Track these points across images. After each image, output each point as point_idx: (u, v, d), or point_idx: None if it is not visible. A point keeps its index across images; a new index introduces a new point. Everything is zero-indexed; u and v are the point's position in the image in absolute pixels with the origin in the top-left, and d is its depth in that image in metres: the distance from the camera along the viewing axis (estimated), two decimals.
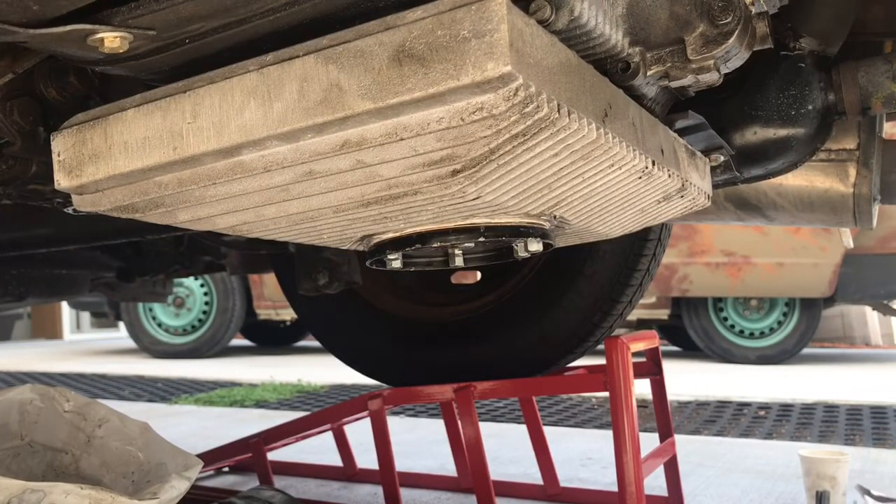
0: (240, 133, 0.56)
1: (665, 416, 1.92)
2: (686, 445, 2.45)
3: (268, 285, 6.34)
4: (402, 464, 1.96)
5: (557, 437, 2.59)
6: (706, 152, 0.92)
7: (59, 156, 0.65)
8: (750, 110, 1.01)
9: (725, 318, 5.34)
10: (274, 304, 6.50)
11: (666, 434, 1.92)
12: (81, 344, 9.55)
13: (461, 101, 0.50)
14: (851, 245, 1.65)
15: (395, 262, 0.79)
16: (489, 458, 1.76)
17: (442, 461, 2.24)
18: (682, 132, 0.83)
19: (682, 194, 0.81)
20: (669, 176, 0.74)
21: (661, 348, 1.52)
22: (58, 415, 1.22)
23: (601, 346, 1.58)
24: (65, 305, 9.64)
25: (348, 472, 2.31)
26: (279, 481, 2.21)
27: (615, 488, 1.53)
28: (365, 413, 2.00)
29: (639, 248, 1.91)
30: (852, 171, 1.22)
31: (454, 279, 2.26)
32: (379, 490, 2.05)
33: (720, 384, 4.06)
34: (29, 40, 0.59)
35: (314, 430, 2.16)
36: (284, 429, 2.14)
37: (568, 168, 0.62)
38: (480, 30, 0.48)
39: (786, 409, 3.34)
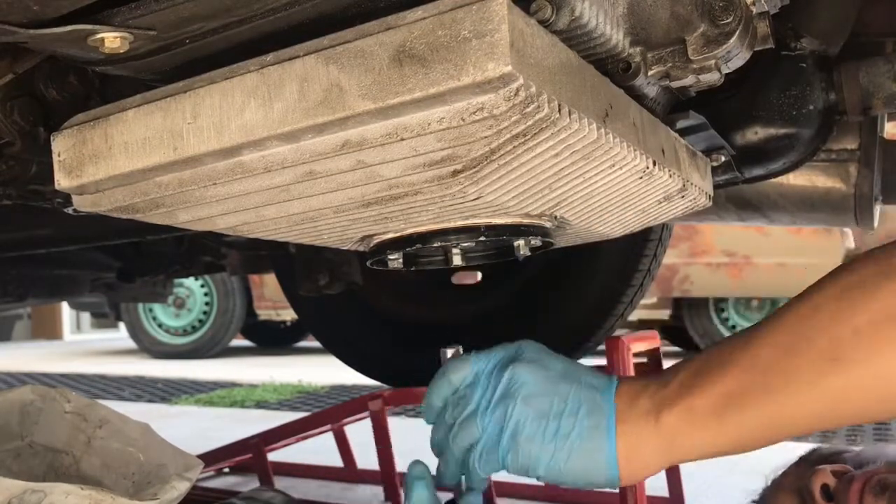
0: (240, 133, 0.56)
1: None
2: None
3: (268, 285, 6.34)
4: (402, 464, 1.96)
5: None
6: (707, 152, 0.92)
7: (59, 156, 0.65)
8: (751, 110, 1.01)
9: (726, 319, 5.33)
10: (274, 305, 6.49)
11: None
12: (81, 344, 9.55)
13: (462, 101, 0.50)
14: (853, 245, 1.65)
15: (396, 262, 0.79)
16: None
17: None
18: (683, 132, 0.83)
19: (683, 194, 0.81)
20: (670, 176, 0.74)
21: (662, 348, 1.52)
22: (58, 416, 1.22)
23: (602, 347, 1.58)
24: (65, 306, 9.63)
25: (349, 473, 2.31)
26: (279, 482, 2.21)
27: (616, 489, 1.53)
28: (366, 414, 2.00)
29: (640, 248, 1.91)
30: (853, 171, 1.21)
31: (455, 280, 2.27)
32: (380, 491, 2.05)
33: None
34: (29, 40, 0.59)
35: (314, 430, 2.16)
36: (285, 429, 2.14)
37: (569, 168, 0.62)
38: (481, 30, 0.48)
39: None
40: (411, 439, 2.59)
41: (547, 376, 0.73)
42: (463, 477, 0.79)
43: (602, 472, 0.70)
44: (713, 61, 0.66)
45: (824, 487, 0.90)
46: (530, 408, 0.71)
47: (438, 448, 0.80)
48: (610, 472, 0.70)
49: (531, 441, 0.70)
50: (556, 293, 2.00)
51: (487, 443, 0.72)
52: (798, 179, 1.26)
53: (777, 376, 0.65)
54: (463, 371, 0.77)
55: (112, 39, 0.58)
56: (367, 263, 0.81)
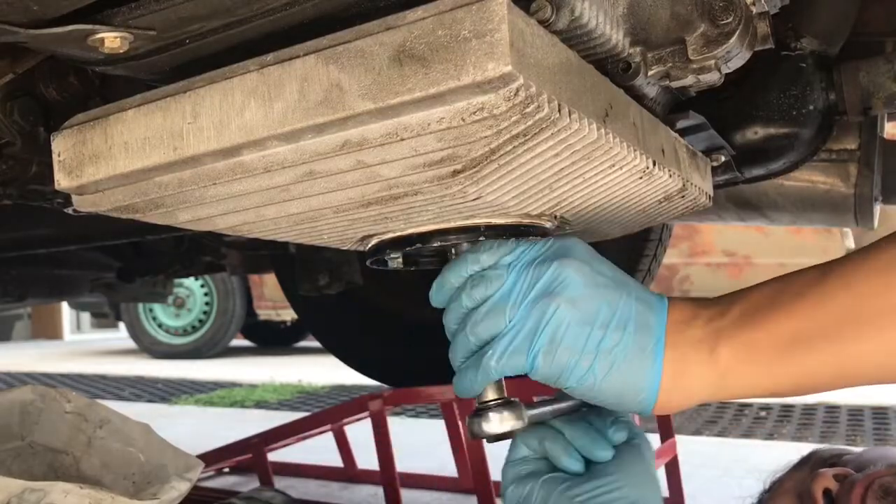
0: (240, 133, 0.56)
1: (666, 417, 1.92)
2: (687, 446, 2.45)
3: (268, 285, 6.34)
4: (402, 464, 1.96)
5: None
6: (707, 152, 0.92)
7: (59, 156, 0.65)
8: (751, 110, 1.01)
9: None
10: (274, 305, 6.49)
11: (667, 435, 1.92)
12: (81, 344, 9.55)
13: (462, 101, 0.50)
14: (853, 245, 1.65)
15: (396, 262, 0.79)
16: (490, 459, 1.76)
17: (442, 462, 2.24)
18: (683, 132, 0.83)
19: (683, 194, 0.81)
20: (670, 176, 0.74)
21: None
22: (59, 416, 1.22)
23: None
24: (65, 305, 9.64)
25: (349, 473, 2.31)
26: (279, 482, 2.21)
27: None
28: (365, 414, 2.00)
29: (640, 248, 1.91)
30: (853, 171, 1.22)
31: None
32: (379, 491, 2.05)
33: None
34: (29, 40, 0.59)
35: (315, 430, 2.16)
36: (285, 429, 2.14)
37: (569, 168, 0.61)
38: (481, 30, 0.48)
39: (787, 409, 3.34)
40: (411, 439, 2.59)
41: (596, 280, 0.65)
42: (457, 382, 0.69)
43: (639, 396, 0.65)
44: (713, 61, 0.66)
45: (826, 492, 0.90)
46: (576, 311, 0.63)
47: (449, 330, 0.71)
48: (648, 397, 0.64)
49: (569, 349, 0.63)
50: None
51: (514, 340, 0.64)
52: (798, 179, 1.26)
53: (850, 322, 0.60)
54: (498, 253, 0.67)
55: (112, 39, 0.58)
56: (367, 263, 0.81)
